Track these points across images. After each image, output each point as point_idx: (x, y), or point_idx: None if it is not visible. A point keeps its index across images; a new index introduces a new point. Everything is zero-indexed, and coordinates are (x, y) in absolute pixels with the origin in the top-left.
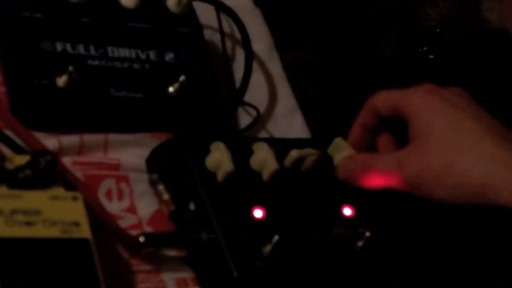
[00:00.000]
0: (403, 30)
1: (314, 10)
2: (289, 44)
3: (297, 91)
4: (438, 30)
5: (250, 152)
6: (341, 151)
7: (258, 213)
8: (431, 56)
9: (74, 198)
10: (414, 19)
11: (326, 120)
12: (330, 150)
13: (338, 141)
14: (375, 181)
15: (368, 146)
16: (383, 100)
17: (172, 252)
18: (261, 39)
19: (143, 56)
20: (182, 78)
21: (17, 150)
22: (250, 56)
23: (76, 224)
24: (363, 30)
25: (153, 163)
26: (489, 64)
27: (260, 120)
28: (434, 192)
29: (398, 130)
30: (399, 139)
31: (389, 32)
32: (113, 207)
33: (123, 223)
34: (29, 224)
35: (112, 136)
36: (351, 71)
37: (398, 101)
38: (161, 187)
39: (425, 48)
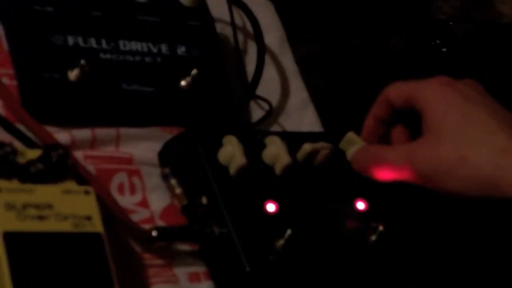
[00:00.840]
0: (416, 23)
1: (326, 4)
2: (301, 39)
3: (310, 86)
4: (450, 23)
5: (263, 146)
6: (353, 145)
7: (270, 207)
8: (443, 49)
9: (86, 192)
10: (426, 12)
11: (338, 115)
12: (342, 145)
13: (351, 135)
14: (387, 173)
15: (382, 138)
16: (397, 91)
17: (184, 246)
18: (273, 32)
19: (154, 50)
20: (194, 71)
21: (29, 144)
22: (262, 49)
23: (88, 218)
24: (376, 24)
25: (165, 157)
26: (501, 57)
27: (272, 114)
28: (446, 184)
29: (412, 122)
30: (412, 131)
31: (402, 25)
32: (125, 201)
33: (135, 217)
34: (41, 218)
35: (124, 130)
36: (363, 65)
37: (411, 93)
38: (173, 181)
39: (437, 41)
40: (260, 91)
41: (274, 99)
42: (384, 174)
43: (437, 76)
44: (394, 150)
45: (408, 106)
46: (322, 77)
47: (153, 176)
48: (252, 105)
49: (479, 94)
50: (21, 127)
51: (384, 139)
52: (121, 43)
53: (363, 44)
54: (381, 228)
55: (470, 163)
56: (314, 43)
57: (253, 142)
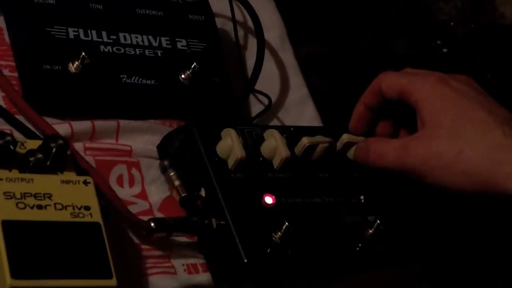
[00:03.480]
0: (417, 24)
1: (327, 5)
2: (303, 38)
3: (310, 86)
4: (452, 24)
5: (261, 139)
6: (353, 143)
7: (268, 200)
8: (444, 50)
9: (85, 182)
10: (428, 13)
11: (338, 115)
12: (339, 146)
13: (346, 136)
14: (383, 165)
15: (370, 124)
16: (389, 83)
17: (182, 238)
18: (273, 28)
19: (155, 43)
20: (194, 65)
21: (29, 135)
22: (262, 44)
23: (87, 208)
24: (377, 24)
25: (165, 149)
26: (502, 58)
27: (271, 109)
28: (442, 180)
29: (402, 113)
30: (403, 123)
31: (403, 26)
32: (124, 193)
33: (134, 209)
34: (40, 207)
35: (124, 123)
36: (364, 65)
37: (406, 87)
38: (172, 174)
39: (438, 42)
40: (260, 86)
41: (274, 94)
42: (381, 166)
43: (432, 72)
44: (391, 143)
45: (400, 99)
46: (323, 77)
47: (152, 169)
48: (252, 99)
49: (474, 91)
50: (21, 118)
51: (373, 127)
52: (121, 36)
53: (365, 44)
54: (378, 221)
55: (467, 159)
56: (315, 43)
57: (251, 136)
